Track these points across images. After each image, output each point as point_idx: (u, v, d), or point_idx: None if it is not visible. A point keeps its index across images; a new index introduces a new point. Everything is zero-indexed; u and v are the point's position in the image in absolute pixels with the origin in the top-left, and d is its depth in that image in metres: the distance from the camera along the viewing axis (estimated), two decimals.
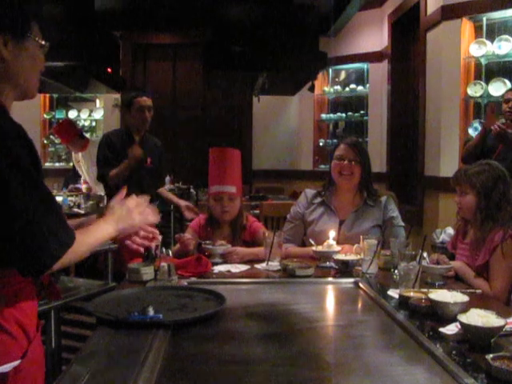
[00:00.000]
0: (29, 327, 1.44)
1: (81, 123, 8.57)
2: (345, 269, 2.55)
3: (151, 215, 1.77)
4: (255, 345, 1.66)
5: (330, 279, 2.49)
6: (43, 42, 1.51)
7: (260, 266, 2.66)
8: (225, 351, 1.59)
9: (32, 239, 1.30)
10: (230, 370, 1.45)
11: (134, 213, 1.68)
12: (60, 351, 2.75)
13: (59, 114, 8.55)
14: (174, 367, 1.44)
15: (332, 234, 2.76)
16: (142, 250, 1.88)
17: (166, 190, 4.71)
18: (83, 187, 5.96)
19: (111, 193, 4.17)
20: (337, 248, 2.70)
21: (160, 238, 2.62)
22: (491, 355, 1.40)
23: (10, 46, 1.42)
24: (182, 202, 4.33)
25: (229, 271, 2.59)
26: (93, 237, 1.52)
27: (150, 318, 1.72)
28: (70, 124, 6.13)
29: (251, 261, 2.75)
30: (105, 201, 4.86)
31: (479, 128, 4.81)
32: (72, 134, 5.78)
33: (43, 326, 2.69)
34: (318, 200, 3.08)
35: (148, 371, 1.36)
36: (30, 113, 7.73)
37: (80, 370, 1.36)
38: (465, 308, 1.74)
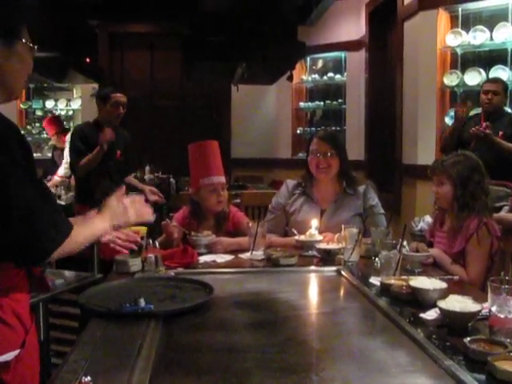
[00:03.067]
0: (25, 318, 1.50)
1: (58, 113, 8.51)
2: (327, 257, 2.62)
3: (146, 214, 1.85)
4: (244, 333, 1.72)
5: (313, 268, 2.56)
6: (32, 45, 1.55)
7: (244, 256, 2.72)
8: (215, 339, 1.65)
9: (32, 229, 1.38)
10: (221, 357, 1.51)
11: (129, 210, 1.75)
12: (49, 343, 2.79)
13: (36, 104, 8.48)
14: (167, 356, 1.50)
15: (314, 223, 2.82)
16: (124, 251, 1.99)
17: (130, 177, 4.73)
18: (55, 178, 5.94)
19: (80, 184, 4.34)
20: (319, 237, 2.77)
21: (145, 229, 2.69)
22: (468, 338, 1.48)
23: (0, 49, 1.46)
24: (146, 187, 4.51)
25: (214, 261, 2.65)
26: (89, 230, 1.61)
27: (141, 308, 1.77)
28: (58, 120, 6.64)
29: (235, 251, 2.80)
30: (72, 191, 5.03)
31: None
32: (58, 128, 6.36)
33: None
34: (299, 190, 3.13)
35: (144, 361, 1.41)
36: (6, 103, 7.67)
37: (78, 361, 1.41)
38: (443, 294, 1.82)
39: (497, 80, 4.46)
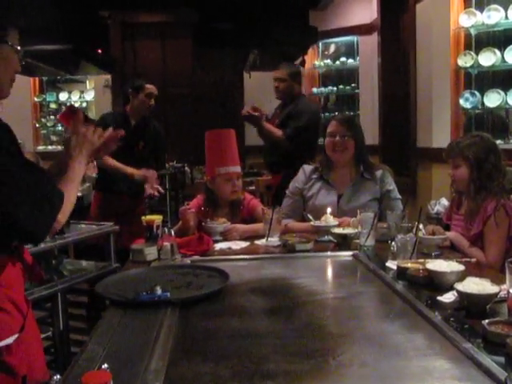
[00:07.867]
0: (21, 304, 1.55)
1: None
2: (343, 242, 2.62)
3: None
4: (261, 319, 1.72)
5: (329, 253, 2.55)
6: (19, 48, 1.62)
7: (260, 242, 2.72)
8: (232, 326, 1.65)
9: (31, 207, 1.44)
10: (238, 343, 1.51)
11: (89, 135, 1.78)
12: (68, 332, 2.82)
13: (50, 97, 8.51)
14: (185, 343, 1.51)
15: (329, 209, 2.81)
16: None
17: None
18: None
19: (100, 172, 4.33)
20: (335, 222, 2.76)
21: (160, 218, 2.70)
22: (487, 320, 1.47)
23: None
24: (147, 172, 4.10)
25: (230, 248, 2.65)
26: (73, 181, 1.67)
27: (158, 297, 1.78)
28: (71, 109, 6.22)
29: (251, 237, 2.80)
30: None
31: (470, 98, 4.86)
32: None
33: (50, 308, 2.76)
34: (316, 175, 3.13)
35: (161, 348, 1.42)
36: (21, 97, 7.74)
37: (96, 349, 1.42)
38: (461, 276, 1.81)
39: (283, 67, 4.53)
